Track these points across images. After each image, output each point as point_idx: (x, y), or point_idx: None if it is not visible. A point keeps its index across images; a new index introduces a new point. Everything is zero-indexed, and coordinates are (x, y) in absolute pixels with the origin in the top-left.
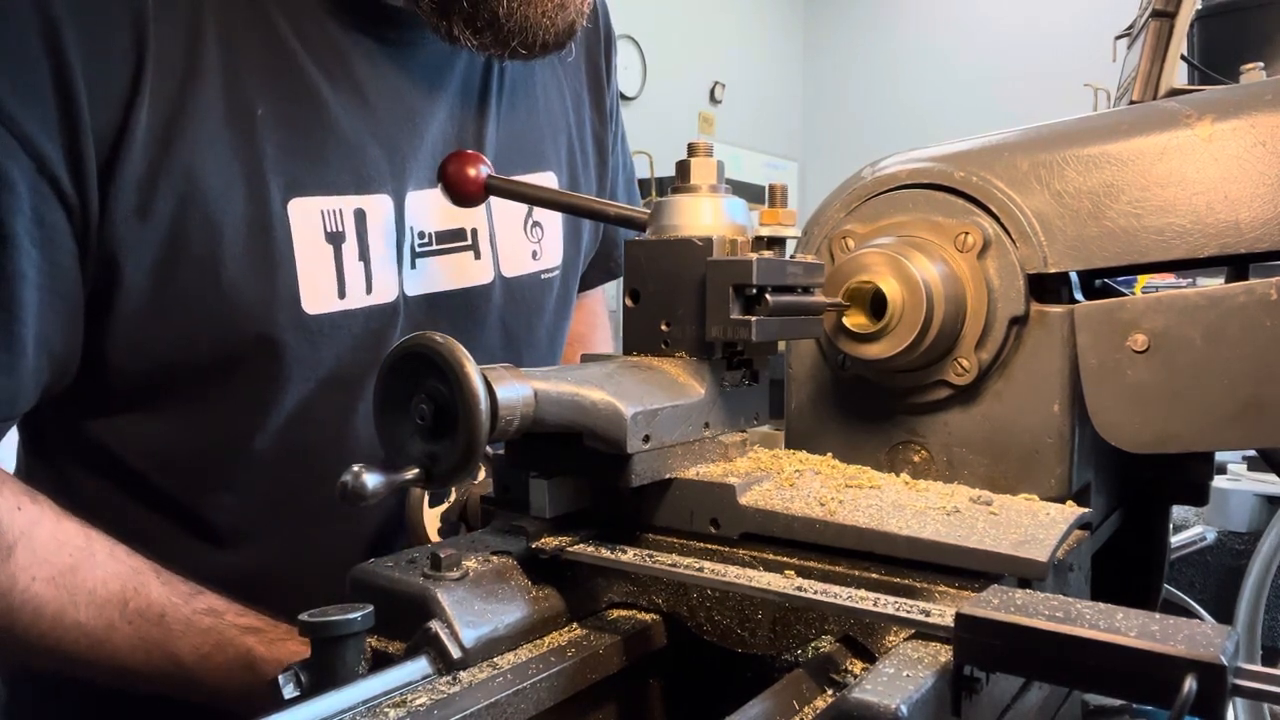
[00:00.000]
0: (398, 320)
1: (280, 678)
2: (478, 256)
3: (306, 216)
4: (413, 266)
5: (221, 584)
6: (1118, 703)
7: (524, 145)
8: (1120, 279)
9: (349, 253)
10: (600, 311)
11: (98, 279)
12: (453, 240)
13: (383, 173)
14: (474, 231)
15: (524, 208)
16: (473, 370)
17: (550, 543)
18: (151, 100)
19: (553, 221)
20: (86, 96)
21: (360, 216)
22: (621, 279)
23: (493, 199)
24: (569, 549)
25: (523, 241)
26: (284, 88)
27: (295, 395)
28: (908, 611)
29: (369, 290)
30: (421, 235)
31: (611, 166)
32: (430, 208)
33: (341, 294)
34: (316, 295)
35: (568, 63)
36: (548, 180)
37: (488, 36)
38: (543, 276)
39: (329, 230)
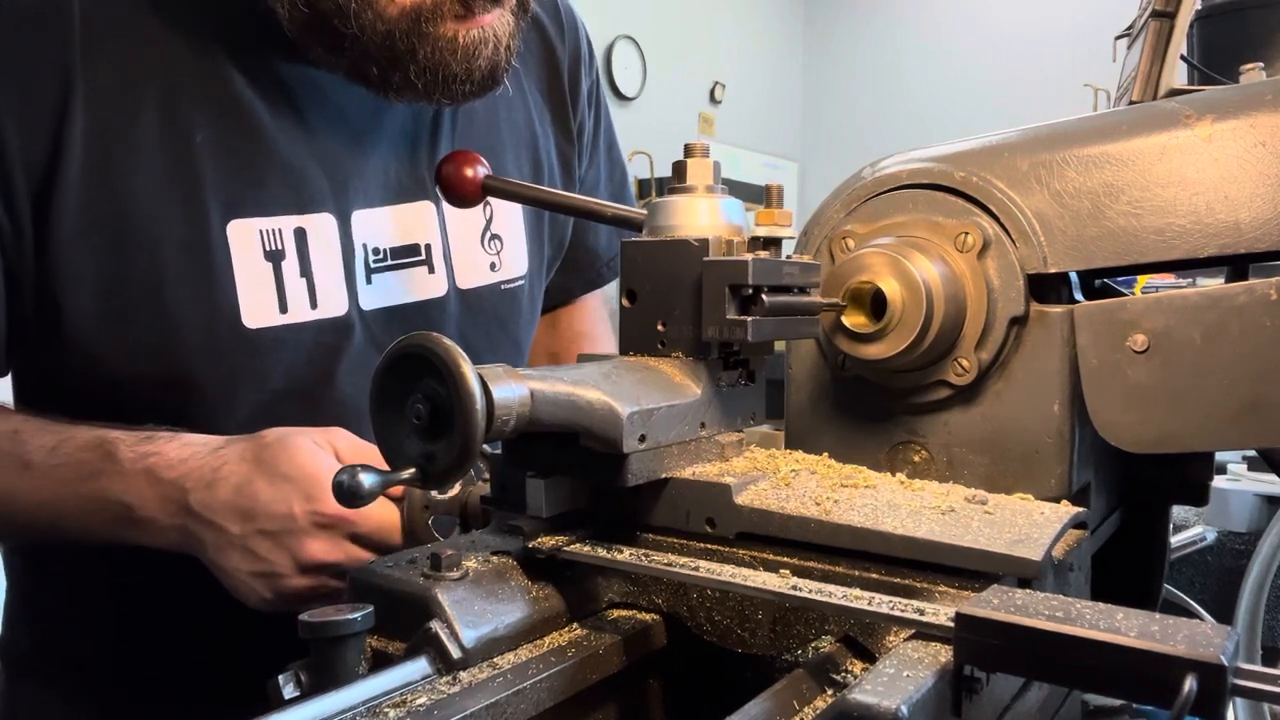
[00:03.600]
0: (352, 334)
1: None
2: (431, 270)
3: (245, 236)
4: (369, 282)
5: (191, 594)
6: (1118, 703)
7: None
8: (1120, 279)
9: (289, 269)
10: (599, 308)
11: (42, 303)
12: (406, 255)
13: (324, 193)
14: (427, 246)
15: (481, 221)
16: (469, 370)
17: (547, 542)
18: (85, 133)
19: (514, 233)
20: (14, 131)
21: (300, 235)
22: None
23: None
24: (565, 548)
25: (479, 254)
26: (222, 115)
27: (249, 407)
28: (907, 611)
29: (314, 305)
30: (376, 251)
31: (588, 181)
32: (381, 225)
33: (283, 309)
34: (256, 311)
35: (532, 78)
36: None
37: (408, 94)
38: (503, 287)
39: (268, 249)
